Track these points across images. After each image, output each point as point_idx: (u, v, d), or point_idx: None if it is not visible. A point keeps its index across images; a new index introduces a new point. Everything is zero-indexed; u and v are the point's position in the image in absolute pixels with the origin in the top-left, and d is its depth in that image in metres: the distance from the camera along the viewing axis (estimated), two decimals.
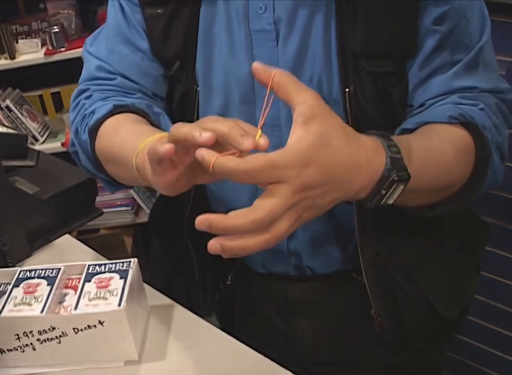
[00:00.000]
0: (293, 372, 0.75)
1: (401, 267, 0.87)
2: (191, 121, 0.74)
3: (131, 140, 0.76)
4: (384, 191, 0.64)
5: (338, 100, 0.79)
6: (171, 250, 1.03)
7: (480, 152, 0.76)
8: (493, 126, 0.79)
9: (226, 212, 0.56)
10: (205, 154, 0.56)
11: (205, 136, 0.55)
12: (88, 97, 0.90)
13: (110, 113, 0.85)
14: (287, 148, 0.56)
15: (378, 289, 0.87)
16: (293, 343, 0.99)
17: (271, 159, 0.55)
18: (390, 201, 0.66)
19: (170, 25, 0.84)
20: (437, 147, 0.74)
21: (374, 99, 0.79)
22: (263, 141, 0.56)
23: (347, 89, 0.78)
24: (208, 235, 0.97)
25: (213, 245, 0.56)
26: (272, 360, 0.76)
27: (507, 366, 1.66)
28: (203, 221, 0.56)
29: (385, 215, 0.79)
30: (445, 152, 0.74)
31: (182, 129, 0.58)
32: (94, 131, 0.85)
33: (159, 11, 0.84)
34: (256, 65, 0.59)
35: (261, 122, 0.58)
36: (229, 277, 1.01)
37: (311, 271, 0.93)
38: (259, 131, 0.57)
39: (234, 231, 0.55)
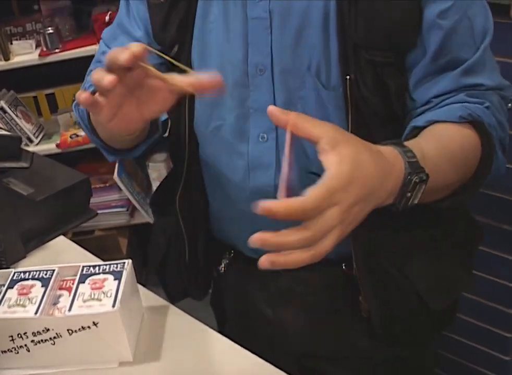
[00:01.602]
0: (283, 369, 0.75)
1: (392, 256, 0.88)
2: (185, 103, 0.87)
3: None
4: (409, 194, 0.68)
5: (337, 87, 0.81)
6: (165, 229, 1.06)
7: (486, 150, 0.80)
8: (497, 123, 0.82)
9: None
10: (270, 205, 0.57)
11: (107, 79, 0.64)
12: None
13: None
14: (330, 175, 0.59)
15: (367, 276, 0.88)
16: (282, 334, 1.00)
17: (327, 188, 0.58)
18: (416, 201, 0.70)
19: (170, 13, 0.88)
20: (447, 149, 0.77)
21: (374, 88, 0.80)
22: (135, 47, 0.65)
23: (348, 77, 0.79)
24: (200, 219, 0.98)
25: (264, 261, 0.59)
26: (265, 359, 0.76)
27: (502, 365, 1.66)
28: (256, 240, 0.58)
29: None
30: (454, 152, 0.77)
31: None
32: None
33: (162, 0, 0.88)
34: (272, 109, 0.62)
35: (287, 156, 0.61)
36: (222, 266, 1.03)
37: None
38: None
39: (285, 248, 0.59)
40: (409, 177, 0.67)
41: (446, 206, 0.81)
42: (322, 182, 0.58)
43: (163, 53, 0.93)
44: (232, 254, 1.02)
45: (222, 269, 1.04)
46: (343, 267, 0.93)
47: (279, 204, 0.57)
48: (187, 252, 1.01)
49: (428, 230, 0.91)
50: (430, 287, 0.91)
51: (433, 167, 0.72)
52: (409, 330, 0.94)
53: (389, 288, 0.90)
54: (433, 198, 0.79)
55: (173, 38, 0.89)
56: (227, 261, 1.03)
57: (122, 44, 0.92)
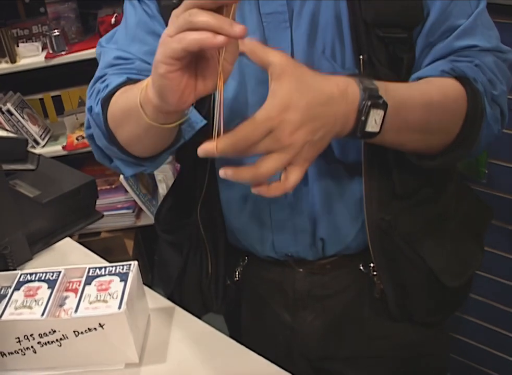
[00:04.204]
0: (299, 372, 0.75)
1: (405, 235, 0.88)
2: (206, 103, 0.82)
3: (134, 89, 0.77)
4: (363, 118, 0.70)
5: (351, 69, 0.81)
6: (182, 245, 1.03)
7: (472, 101, 0.80)
8: (487, 81, 0.82)
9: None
10: (207, 145, 0.62)
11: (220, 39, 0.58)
12: (104, 81, 0.89)
13: (123, 84, 0.84)
14: (264, 104, 0.63)
15: (381, 256, 0.88)
16: (300, 338, 1.00)
17: (252, 117, 0.62)
18: (375, 129, 0.71)
19: None
20: (420, 88, 0.78)
21: (388, 64, 0.81)
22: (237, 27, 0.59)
23: (361, 57, 0.80)
24: (218, 227, 0.96)
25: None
26: (273, 362, 0.76)
27: (509, 367, 1.66)
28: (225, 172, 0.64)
29: (391, 182, 0.85)
30: (429, 93, 0.78)
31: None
32: (106, 101, 0.84)
33: (174, 0, 0.85)
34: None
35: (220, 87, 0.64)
36: (237, 273, 1.02)
37: (322, 245, 0.92)
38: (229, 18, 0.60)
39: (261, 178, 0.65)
40: (362, 101, 0.69)
41: (438, 164, 0.82)
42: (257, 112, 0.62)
43: None
44: (246, 261, 1.01)
45: (237, 276, 1.02)
46: (361, 267, 0.93)
47: (213, 143, 0.62)
48: (210, 264, 0.98)
49: (437, 209, 0.91)
50: (444, 265, 0.91)
51: (401, 100, 0.74)
52: (424, 309, 0.94)
53: (404, 268, 0.90)
54: (415, 145, 0.80)
55: None
56: (241, 268, 1.02)
57: (148, 43, 0.88)
